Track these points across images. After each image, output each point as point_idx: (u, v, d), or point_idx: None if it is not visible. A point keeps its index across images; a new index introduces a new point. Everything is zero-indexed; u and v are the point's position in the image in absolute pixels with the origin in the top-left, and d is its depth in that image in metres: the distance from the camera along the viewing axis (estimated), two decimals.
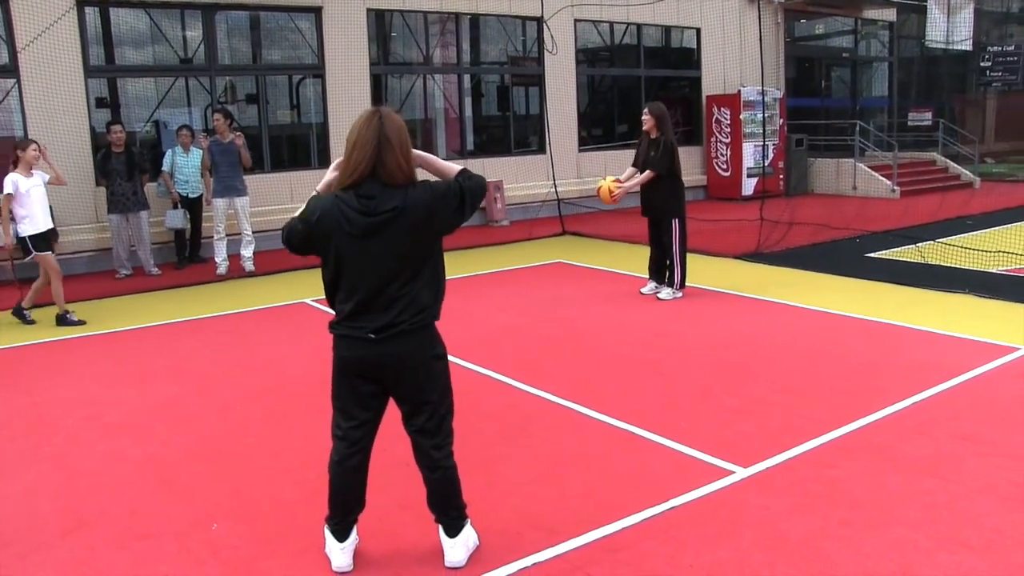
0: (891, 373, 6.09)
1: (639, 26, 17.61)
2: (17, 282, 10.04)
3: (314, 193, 3.43)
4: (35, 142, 8.53)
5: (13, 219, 8.40)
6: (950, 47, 20.82)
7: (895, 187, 17.50)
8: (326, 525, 3.64)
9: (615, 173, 15.80)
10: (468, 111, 16.17)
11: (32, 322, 8.59)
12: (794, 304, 8.34)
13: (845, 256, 10.86)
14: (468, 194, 3.39)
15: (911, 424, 5.09)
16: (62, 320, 8.46)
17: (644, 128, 8.70)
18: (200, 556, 3.81)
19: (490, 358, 6.74)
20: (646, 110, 8.67)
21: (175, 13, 12.76)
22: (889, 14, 22.03)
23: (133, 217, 11.00)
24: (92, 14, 11.93)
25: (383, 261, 3.28)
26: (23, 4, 10.96)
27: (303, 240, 3.35)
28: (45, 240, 8.46)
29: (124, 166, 10.80)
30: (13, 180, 8.23)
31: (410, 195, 3.28)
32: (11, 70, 11.05)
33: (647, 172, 8.53)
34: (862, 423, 5.11)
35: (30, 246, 8.40)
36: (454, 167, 3.50)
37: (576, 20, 16.34)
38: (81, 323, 8.46)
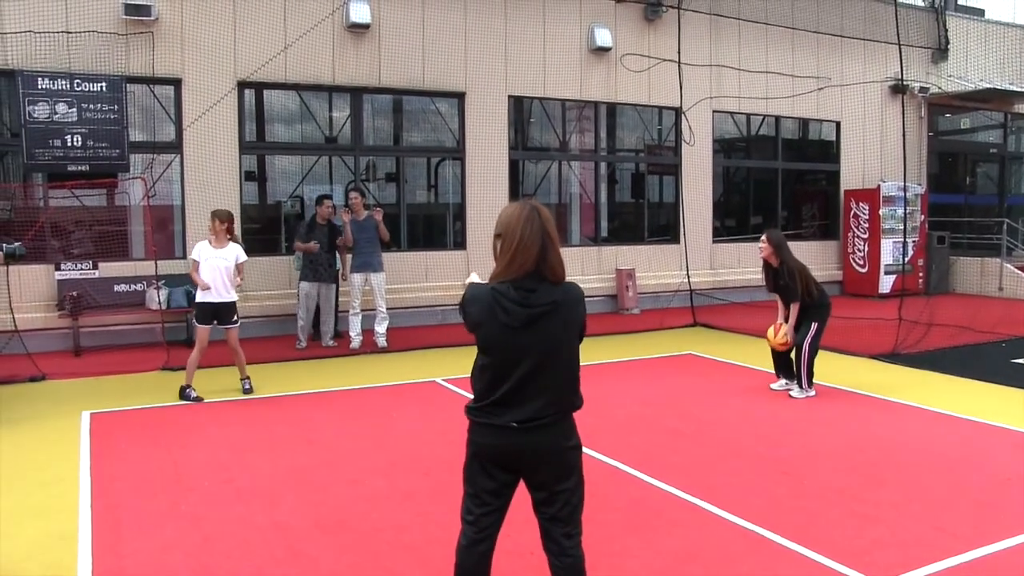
0: None
1: (777, 118, 17.55)
2: (165, 344, 10.61)
3: (468, 282, 3.55)
4: (230, 215, 8.66)
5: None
6: None
7: None
8: None
9: (747, 264, 15.53)
10: (603, 197, 16.35)
11: (198, 399, 8.46)
12: (933, 409, 7.98)
13: (989, 361, 10.33)
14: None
15: None
16: (182, 393, 8.49)
17: (762, 255, 8.57)
18: None
19: (616, 448, 6.69)
20: (764, 237, 8.51)
21: (324, 95, 13.49)
22: None
23: (324, 288, 11.40)
24: (250, 94, 12.79)
25: (535, 353, 3.34)
26: (192, 86, 11.93)
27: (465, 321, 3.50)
28: (207, 313, 8.51)
29: (327, 237, 11.33)
30: (200, 248, 8.50)
31: (565, 290, 3.39)
32: (176, 146, 12.04)
33: (794, 306, 8.39)
34: (1010, 543, 4.80)
35: (195, 313, 8.74)
36: None
37: (714, 111, 16.41)
38: (199, 400, 8.42)
